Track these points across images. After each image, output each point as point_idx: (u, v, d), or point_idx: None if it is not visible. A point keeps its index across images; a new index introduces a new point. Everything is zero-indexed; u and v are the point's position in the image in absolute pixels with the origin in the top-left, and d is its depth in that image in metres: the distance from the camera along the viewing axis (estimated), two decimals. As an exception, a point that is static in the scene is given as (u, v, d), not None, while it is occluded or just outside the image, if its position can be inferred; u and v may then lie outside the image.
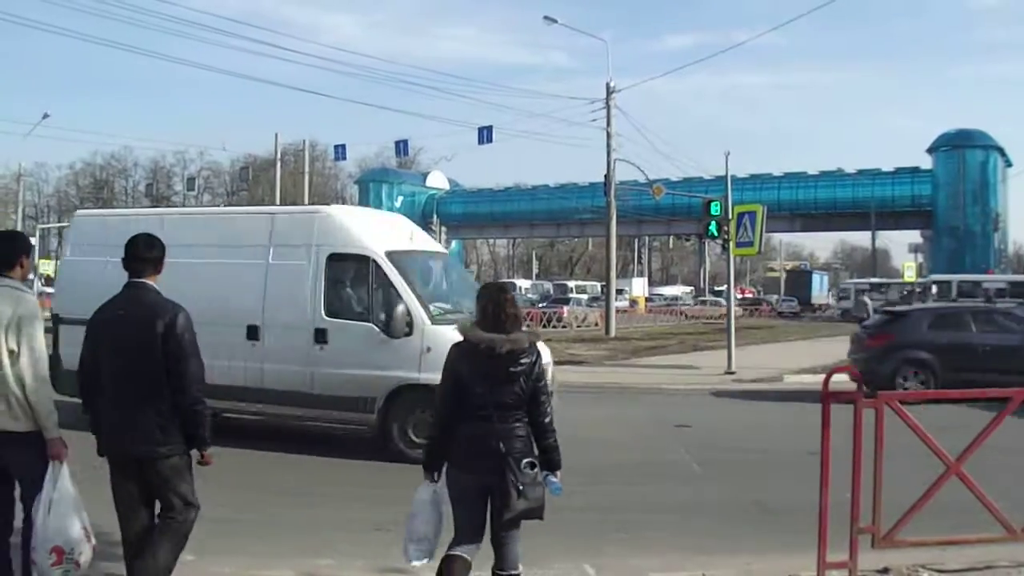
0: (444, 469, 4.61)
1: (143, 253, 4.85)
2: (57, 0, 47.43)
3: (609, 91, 34.68)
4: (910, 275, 54.01)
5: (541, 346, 4.97)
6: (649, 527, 7.35)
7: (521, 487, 4.33)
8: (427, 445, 4.79)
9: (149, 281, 4.83)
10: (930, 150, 58.63)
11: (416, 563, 4.67)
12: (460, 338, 4.61)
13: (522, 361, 4.48)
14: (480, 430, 4.41)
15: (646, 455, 10.41)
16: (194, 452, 4.76)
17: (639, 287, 72.53)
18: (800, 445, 9.54)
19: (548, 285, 71.70)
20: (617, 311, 37.22)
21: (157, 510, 4.78)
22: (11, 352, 4.64)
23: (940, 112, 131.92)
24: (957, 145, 56.95)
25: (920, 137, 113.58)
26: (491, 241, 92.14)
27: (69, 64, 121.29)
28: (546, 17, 36.66)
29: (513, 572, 4.58)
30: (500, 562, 4.57)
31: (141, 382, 4.60)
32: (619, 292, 46.92)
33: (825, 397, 5.40)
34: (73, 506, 4.60)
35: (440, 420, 4.61)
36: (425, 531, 4.61)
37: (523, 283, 71.30)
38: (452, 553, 4.51)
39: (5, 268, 4.88)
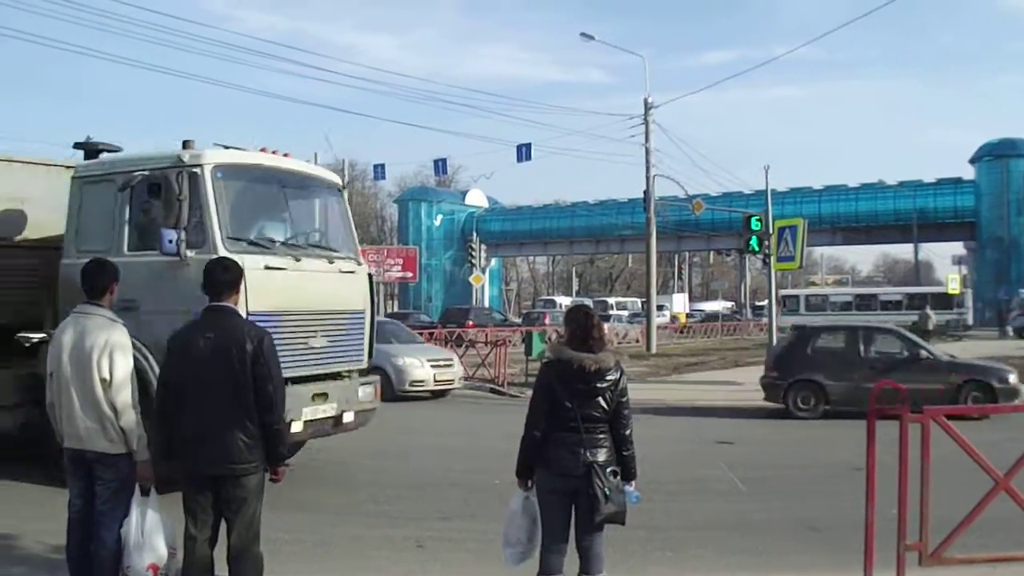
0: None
1: (221, 276, 4.95)
2: (104, 27, 48.40)
3: (647, 107, 34.60)
4: (954, 287, 53.16)
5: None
6: (694, 545, 7.32)
7: (608, 492, 4.72)
8: (520, 455, 5.02)
9: (229, 304, 4.94)
10: (972, 160, 57.64)
11: (511, 566, 5.09)
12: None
13: (608, 378, 4.85)
14: (570, 440, 4.78)
15: (689, 472, 10.34)
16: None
17: (680, 303, 71.97)
18: (845, 461, 9.49)
19: (588, 302, 71.41)
20: (658, 327, 37.02)
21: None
22: (103, 380, 4.87)
23: (982, 122, 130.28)
24: (1000, 155, 55.89)
25: (962, 147, 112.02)
26: (530, 258, 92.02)
27: (112, 88, 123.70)
28: (583, 34, 36.61)
29: None
30: (586, 565, 4.89)
31: (229, 403, 4.69)
32: (659, 308, 46.64)
33: (871, 412, 5.37)
34: (163, 525, 4.92)
35: (532, 431, 4.91)
36: (518, 536, 5.02)
37: (563, 300, 71.04)
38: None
39: (96, 296, 5.08)
